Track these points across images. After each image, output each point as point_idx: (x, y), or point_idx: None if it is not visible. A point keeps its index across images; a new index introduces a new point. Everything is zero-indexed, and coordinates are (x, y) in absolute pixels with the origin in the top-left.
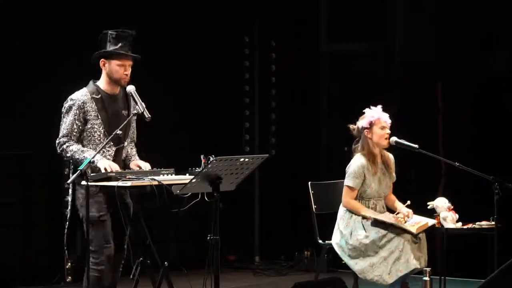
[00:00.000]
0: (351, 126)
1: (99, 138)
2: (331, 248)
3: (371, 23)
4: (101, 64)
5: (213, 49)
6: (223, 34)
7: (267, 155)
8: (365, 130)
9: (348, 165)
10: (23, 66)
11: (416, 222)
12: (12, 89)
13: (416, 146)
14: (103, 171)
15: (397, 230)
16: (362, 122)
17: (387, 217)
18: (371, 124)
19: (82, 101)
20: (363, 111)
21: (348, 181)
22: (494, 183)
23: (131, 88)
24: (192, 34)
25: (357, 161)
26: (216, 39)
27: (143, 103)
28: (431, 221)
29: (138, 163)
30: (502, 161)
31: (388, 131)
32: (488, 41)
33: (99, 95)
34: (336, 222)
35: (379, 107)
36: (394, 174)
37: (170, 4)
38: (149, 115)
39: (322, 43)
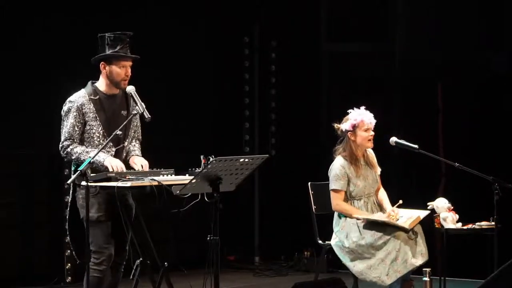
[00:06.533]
0: (336, 125)
1: (98, 139)
2: (331, 248)
3: (371, 23)
4: (101, 67)
5: (213, 50)
6: (223, 35)
7: (267, 155)
8: (349, 133)
9: (329, 169)
10: (23, 66)
11: (407, 218)
12: (12, 89)
13: (416, 146)
14: (110, 169)
15: (392, 229)
16: (345, 125)
17: (379, 217)
18: (355, 126)
19: (80, 103)
20: (348, 111)
21: (332, 185)
22: (494, 183)
23: (131, 89)
24: (192, 34)
25: (337, 163)
26: (216, 40)
27: (143, 104)
28: (422, 213)
29: (134, 160)
30: (502, 161)
31: (372, 133)
32: (487, 41)
33: (97, 96)
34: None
35: (363, 108)
36: (378, 167)
37: (170, 5)
38: (149, 116)
39: (322, 43)
